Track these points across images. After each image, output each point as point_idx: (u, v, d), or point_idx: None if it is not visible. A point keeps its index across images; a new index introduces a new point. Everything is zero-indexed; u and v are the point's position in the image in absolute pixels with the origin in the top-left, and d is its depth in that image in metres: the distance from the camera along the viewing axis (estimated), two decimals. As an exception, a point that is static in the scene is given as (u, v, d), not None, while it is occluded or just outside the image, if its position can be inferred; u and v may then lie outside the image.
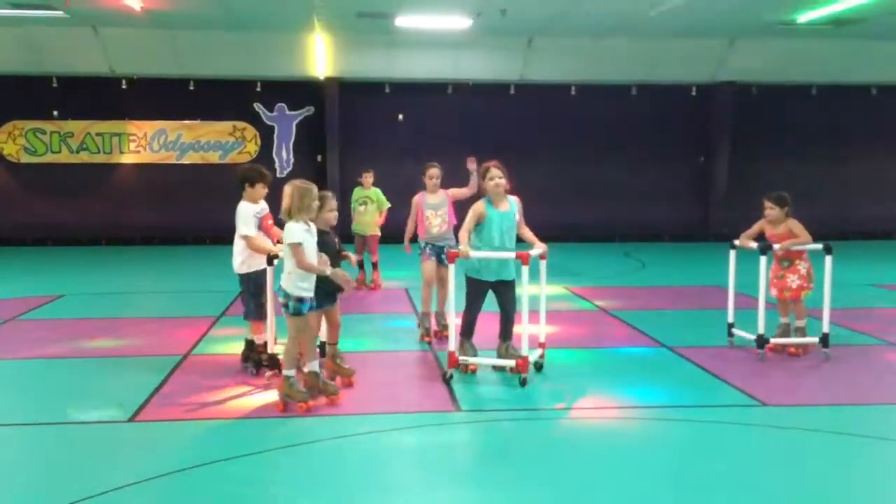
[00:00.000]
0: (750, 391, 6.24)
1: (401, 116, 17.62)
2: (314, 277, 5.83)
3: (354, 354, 7.36)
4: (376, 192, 11.20)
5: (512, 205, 6.78)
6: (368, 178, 11.31)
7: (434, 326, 7.97)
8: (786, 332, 7.51)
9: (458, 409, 5.88)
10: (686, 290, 11.12)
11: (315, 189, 5.87)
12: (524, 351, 6.36)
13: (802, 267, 7.32)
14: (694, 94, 17.86)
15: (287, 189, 5.83)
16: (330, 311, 6.27)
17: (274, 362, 6.60)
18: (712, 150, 18.06)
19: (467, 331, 6.84)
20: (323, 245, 5.98)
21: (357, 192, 11.34)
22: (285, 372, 5.84)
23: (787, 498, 4.33)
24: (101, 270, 13.69)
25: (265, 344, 6.74)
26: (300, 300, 5.76)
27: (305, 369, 5.93)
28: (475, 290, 6.77)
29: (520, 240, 6.82)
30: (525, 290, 6.26)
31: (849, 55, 16.53)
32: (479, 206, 6.71)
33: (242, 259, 6.65)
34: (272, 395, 6.08)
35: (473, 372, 6.73)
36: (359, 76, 16.95)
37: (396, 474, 4.75)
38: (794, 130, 18.10)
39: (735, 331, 7.60)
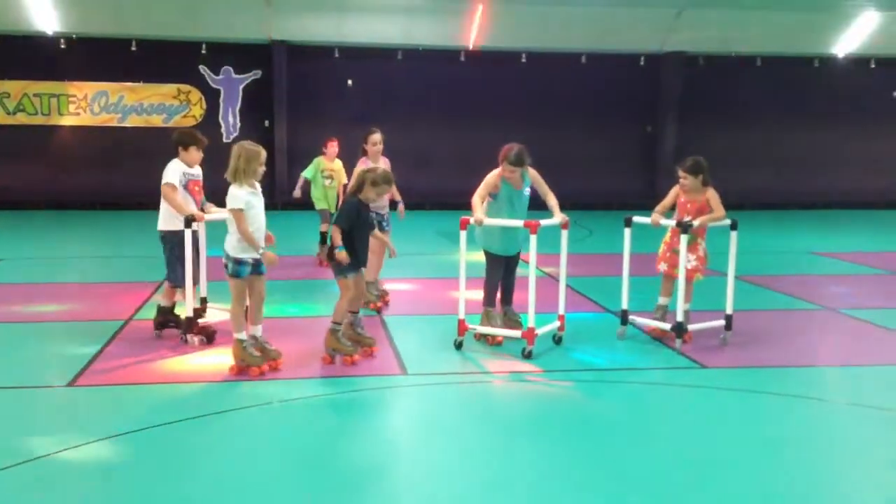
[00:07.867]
0: (690, 354, 6.39)
1: (350, 82, 17.41)
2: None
3: (307, 319, 7.33)
4: (339, 167, 10.25)
5: (526, 182, 6.66)
6: (333, 147, 10.20)
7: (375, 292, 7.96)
8: (663, 316, 6.83)
9: (405, 372, 5.91)
10: (631, 258, 11.22)
11: (263, 153, 5.74)
12: (530, 322, 6.25)
13: (702, 248, 6.71)
14: (642, 63, 17.99)
15: (235, 150, 5.70)
16: (357, 278, 6.13)
17: (188, 326, 6.47)
18: (659, 120, 18.24)
19: (489, 300, 6.79)
20: (364, 222, 6.05)
21: (321, 164, 10.20)
22: (236, 335, 5.75)
23: (731, 456, 4.47)
24: (40, 235, 13.33)
25: (172, 306, 6.65)
26: (238, 262, 5.69)
27: (248, 333, 5.84)
28: (493, 262, 6.73)
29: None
30: (533, 261, 6.20)
31: (792, 27, 16.79)
32: (493, 178, 6.51)
33: (166, 217, 6.45)
34: (218, 360, 6.02)
35: (500, 344, 6.62)
36: (308, 40, 16.67)
37: (349, 437, 4.76)
38: (739, 101, 18.38)
39: (633, 318, 6.89)
